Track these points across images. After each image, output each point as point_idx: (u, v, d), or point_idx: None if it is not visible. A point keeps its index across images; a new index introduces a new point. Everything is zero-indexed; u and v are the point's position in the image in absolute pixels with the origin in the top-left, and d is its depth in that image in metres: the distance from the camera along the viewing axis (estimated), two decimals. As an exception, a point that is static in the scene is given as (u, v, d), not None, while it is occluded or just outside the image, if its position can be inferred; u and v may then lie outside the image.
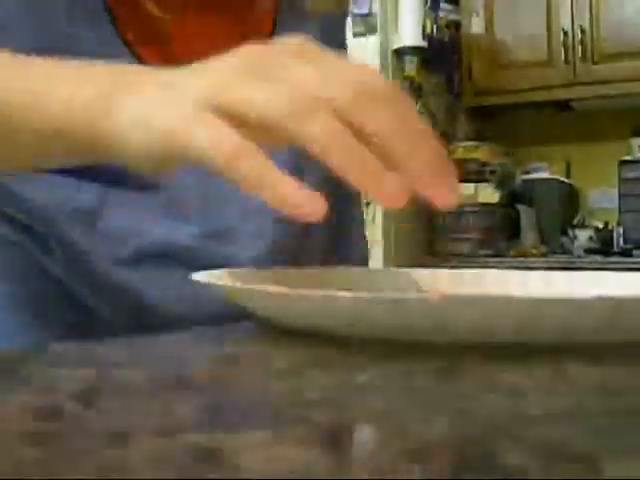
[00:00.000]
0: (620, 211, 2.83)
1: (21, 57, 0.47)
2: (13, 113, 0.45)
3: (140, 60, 0.61)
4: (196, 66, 0.39)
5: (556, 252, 2.77)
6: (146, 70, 0.43)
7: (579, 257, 2.67)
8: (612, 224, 2.83)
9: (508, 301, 0.32)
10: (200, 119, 0.35)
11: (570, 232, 2.89)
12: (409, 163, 0.34)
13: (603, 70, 2.82)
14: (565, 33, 2.90)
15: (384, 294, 0.32)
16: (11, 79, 0.46)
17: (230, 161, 0.34)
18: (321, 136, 0.33)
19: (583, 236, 2.84)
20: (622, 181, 2.84)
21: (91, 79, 0.43)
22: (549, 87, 2.91)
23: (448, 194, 0.34)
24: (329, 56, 0.37)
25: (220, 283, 0.39)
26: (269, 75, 0.36)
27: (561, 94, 2.94)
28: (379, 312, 0.32)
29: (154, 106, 0.38)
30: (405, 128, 0.34)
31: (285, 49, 0.37)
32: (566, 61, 2.90)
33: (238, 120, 0.35)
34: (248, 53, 0.38)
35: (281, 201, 0.33)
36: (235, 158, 0.34)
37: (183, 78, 0.39)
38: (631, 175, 2.79)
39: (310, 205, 0.33)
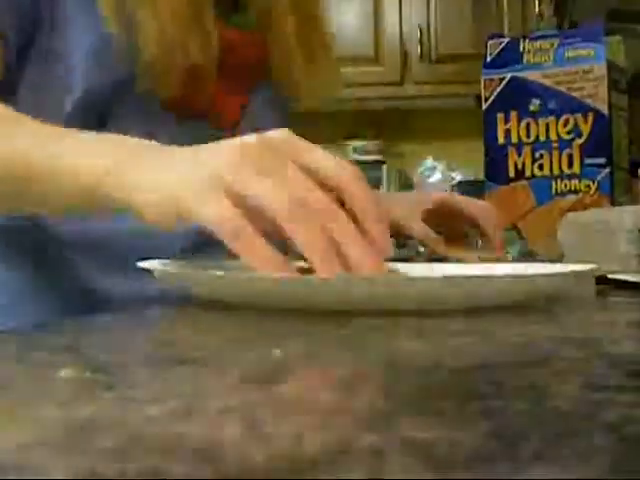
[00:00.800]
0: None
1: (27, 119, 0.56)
2: (32, 182, 0.54)
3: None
4: (209, 146, 0.48)
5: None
6: (156, 146, 0.52)
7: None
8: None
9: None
10: (214, 197, 0.44)
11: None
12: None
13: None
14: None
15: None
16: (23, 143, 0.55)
17: (229, 238, 0.43)
18: (305, 239, 0.43)
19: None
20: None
21: (97, 152, 0.52)
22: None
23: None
24: (311, 153, 0.47)
25: (161, 268, 0.48)
26: (270, 171, 0.45)
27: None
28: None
29: (169, 179, 0.47)
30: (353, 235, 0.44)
31: (281, 146, 0.47)
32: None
33: (241, 202, 0.44)
34: (250, 146, 0.46)
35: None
36: (234, 236, 0.43)
37: (197, 156, 0.48)
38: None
39: (281, 269, 0.43)
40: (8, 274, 0.73)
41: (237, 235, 0.43)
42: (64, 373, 0.27)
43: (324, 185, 0.45)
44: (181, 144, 0.51)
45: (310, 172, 0.45)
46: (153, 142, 0.53)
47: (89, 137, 0.55)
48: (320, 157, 0.47)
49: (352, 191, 0.46)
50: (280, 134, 0.48)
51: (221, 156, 0.46)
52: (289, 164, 0.45)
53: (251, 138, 0.47)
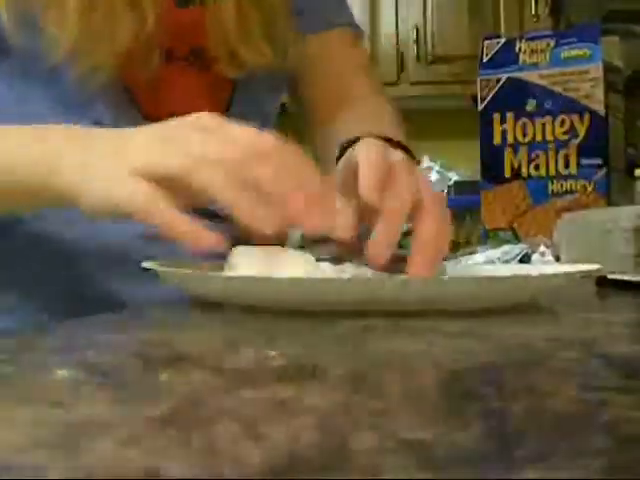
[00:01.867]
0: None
1: None
2: None
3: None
4: (128, 134, 0.52)
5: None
6: (93, 135, 0.55)
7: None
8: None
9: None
10: (129, 181, 0.48)
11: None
12: (287, 201, 0.45)
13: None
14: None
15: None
16: None
17: (142, 216, 0.47)
18: (211, 184, 0.46)
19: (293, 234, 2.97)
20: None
21: (43, 138, 0.55)
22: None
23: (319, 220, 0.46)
24: (228, 126, 0.49)
25: (162, 269, 0.49)
26: (178, 144, 0.48)
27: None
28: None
29: (98, 172, 0.50)
30: (281, 178, 0.46)
31: (193, 124, 0.50)
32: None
33: (160, 181, 0.47)
34: (164, 126, 0.51)
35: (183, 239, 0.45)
36: (147, 214, 0.46)
37: (121, 148, 0.51)
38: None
39: (204, 239, 0.45)
40: (11, 273, 0.72)
41: (149, 212, 0.46)
42: (61, 374, 0.27)
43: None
44: None
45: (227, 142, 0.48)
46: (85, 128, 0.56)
47: (28, 136, 0.58)
48: (234, 128, 0.49)
49: (274, 153, 0.47)
50: (200, 114, 0.51)
51: (133, 141, 0.51)
52: (199, 133, 0.49)
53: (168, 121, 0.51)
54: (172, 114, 0.74)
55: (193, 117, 0.51)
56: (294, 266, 0.48)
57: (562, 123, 1.04)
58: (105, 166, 0.50)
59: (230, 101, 0.78)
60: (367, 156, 0.52)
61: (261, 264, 0.48)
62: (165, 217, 0.46)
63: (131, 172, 0.48)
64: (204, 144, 0.47)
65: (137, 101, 0.73)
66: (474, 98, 1.15)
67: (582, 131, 1.02)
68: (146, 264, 0.49)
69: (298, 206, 0.45)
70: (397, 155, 0.54)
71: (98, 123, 0.69)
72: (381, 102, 0.90)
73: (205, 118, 0.50)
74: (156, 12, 0.68)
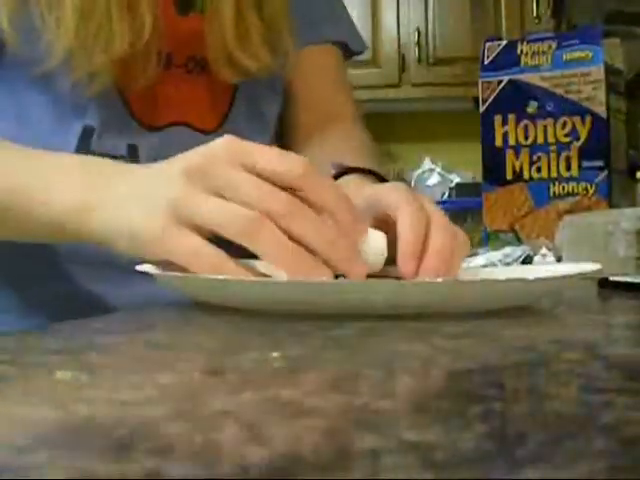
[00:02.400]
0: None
1: None
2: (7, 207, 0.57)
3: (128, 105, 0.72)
4: (160, 172, 0.51)
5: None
6: (118, 172, 0.54)
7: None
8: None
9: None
10: (176, 233, 0.47)
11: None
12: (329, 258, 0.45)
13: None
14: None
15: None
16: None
17: (207, 272, 0.45)
18: (266, 249, 0.44)
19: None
20: (335, 184, 3.04)
21: (67, 186, 0.54)
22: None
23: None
24: (258, 153, 0.47)
25: (159, 271, 0.48)
26: (219, 186, 0.46)
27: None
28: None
29: (134, 218, 0.49)
30: (322, 232, 0.45)
31: (226, 155, 0.47)
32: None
33: (199, 228, 0.46)
34: (195, 166, 0.47)
35: None
36: (213, 269, 0.45)
37: (153, 189, 0.49)
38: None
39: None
40: (6, 279, 0.73)
41: (215, 268, 0.46)
42: (60, 375, 0.27)
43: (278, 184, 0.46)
44: (165, 153, 0.52)
45: (261, 174, 0.46)
46: (120, 165, 0.55)
47: (60, 166, 0.57)
48: (268, 155, 0.47)
49: (308, 185, 0.46)
50: (222, 142, 0.48)
51: (170, 186, 0.48)
52: (237, 172, 0.46)
53: (194, 155, 0.48)
54: (167, 122, 0.74)
55: (220, 149, 0.48)
56: (365, 243, 0.48)
57: (564, 125, 1.03)
58: (142, 211, 0.49)
59: (230, 105, 0.78)
60: (410, 221, 0.50)
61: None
62: (228, 270, 0.46)
63: (171, 219, 0.47)
64: (247, 195, 0.45)
65: (131, 108, 0.73)
66: (475, 100, 1.15)
67: (584, 133, 1.02)
68: (140, 267, 0.49)
69: (341, 256, 0.46)
70: (429, 206, 0.53)
71: (89, 128, 0.70)
72: (360, 131, 0.89)
73: (232, 147, 0.48)
74: (153, 19, 0.68)
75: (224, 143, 0.48)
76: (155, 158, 0.56)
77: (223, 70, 0.74)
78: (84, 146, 0.70)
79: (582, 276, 0.49)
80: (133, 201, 0.50)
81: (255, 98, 0.80)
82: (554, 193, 1.04)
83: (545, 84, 1.05)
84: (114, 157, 0.67)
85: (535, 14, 2.81)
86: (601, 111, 1.01)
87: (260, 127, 0.81)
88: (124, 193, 0.52)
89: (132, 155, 0.72)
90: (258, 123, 0.81)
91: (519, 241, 1.06)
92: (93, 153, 0.68)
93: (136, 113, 0.73)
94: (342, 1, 0.91)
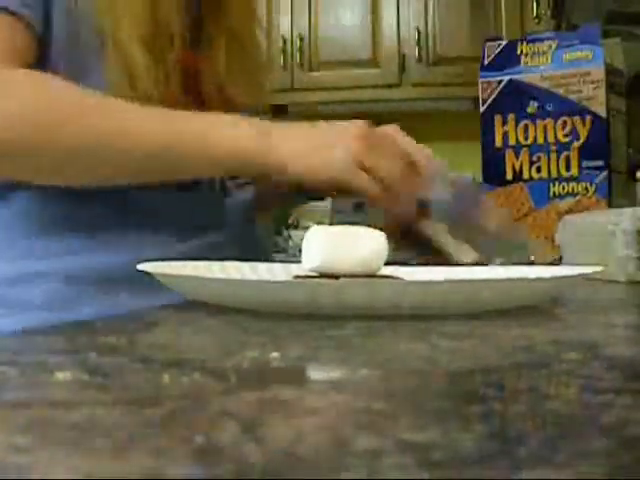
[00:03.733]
0: (333, 212, 3.04)
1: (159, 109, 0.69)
2: (180, 152, 0.68)
3: None
4: (334, 127, 0.74)
5: (271, 251, 2.88)
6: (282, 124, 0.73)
7: (294, 256, 2.81)
8: (326, 224, 3.00)
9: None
10: (356, 171, 0.69)
11: (284, 232, 3.02)
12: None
13: (319, 77, 3.00)
14: (284, 41, 3.03)
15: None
16: (165, 127, 0.69)
17: (376, 200, 0.70)
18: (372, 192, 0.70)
19: (297, 236, 2.98)
20: (335, 183, 3.05)
21: (245, 124, 0.70)
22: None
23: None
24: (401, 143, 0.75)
25: (161, 271, 0.49)
26: (380, 154, 0.71)
27: (279, 99, 3.06)
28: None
29: (317, 149, 0.71)
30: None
31: (382, 135, 0.75)
32: (284, 67, 3.03)
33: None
34: (365, 135, 0.72)
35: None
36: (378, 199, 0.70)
37: (331, 140, 0.72)
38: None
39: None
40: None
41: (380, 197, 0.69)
42: (62, 375, 0.27)
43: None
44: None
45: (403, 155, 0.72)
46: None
47: (214, 116, 0.71)
48: (406, 145, 0.75)
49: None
50: (385, 129, 0.76)
51: (350, 140, 0.70)
52: (388, 149, 0.72)
53: (362, 127, 0.72)
54: None
55: (353, 126, 0.72)
56: (365, 244, 0.49)
57: (563, 125, 1.03)
58: (323, 142, 0.71)
59: None
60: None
61: (334, 242, 0.49)
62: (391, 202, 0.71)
63: (352, 160, 0.68)
64: (385, 165, 0.70)
65: None
66: (475, 100, 1.15)
67: (583, 133, 1.02)
68: (141, 266, 0.49)
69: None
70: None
71: None
72: None
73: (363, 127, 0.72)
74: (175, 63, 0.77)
75: (387, 129, 0.77)
76: None
77: (215, 103, 0.81)
78: None
79: (582, 276, 0.49)
80: (313, 143, 0.71)
81: None
82: (554, 193, 1.04)
83: (545, 84, 1.05)
84: None
85: (535, 14, 2.81)
86: (601, 111, 1.01)
87: None
88: (303, 134, 0.73)
89: None
90: None
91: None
92: None
93: None
94: None
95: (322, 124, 0.74)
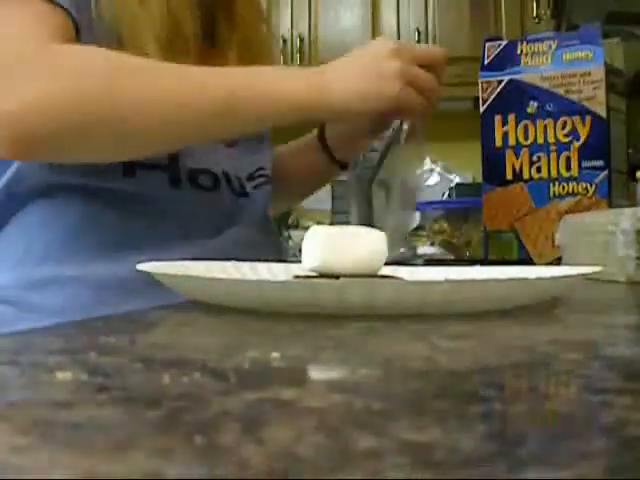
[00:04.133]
0: (333, 212, 3.04)
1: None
2: (239, 103, 0.71)
3: None
4: (372, 54, 0.79)
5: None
6: (328, 66, 0.80)
7: (294, 256, 2.81)
8: (325, 224, 3.00)
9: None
10: (406, 90, 0.78)
11: (284, 232, 3.02)
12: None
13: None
14: (284, 41, 3.04)
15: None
16: (227, 79, 0.72)
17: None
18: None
19: (297, 236, 2.98)
20: (335, 183, 3.05)
21: (299, 73, 0.77)
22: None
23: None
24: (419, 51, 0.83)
25: (160, 271, 0.50)
26: (412, 63, 0.80)
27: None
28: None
29: (368, 81, 0.76)
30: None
31: (405, 45, 0.81)
32: (284, 68, 3.02)
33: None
34: (394, 49, 0.78)
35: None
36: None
37: (375, 65, 0.77)
38: (343, 177, 3.01)
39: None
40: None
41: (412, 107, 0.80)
42: (62, 375, 0.27)
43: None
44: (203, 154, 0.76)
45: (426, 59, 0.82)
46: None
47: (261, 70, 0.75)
48: (424, 51, 0.84)
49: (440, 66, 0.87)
50: (392, 41, 0.80)
51: (389, 61, 0.77)
52: (417, 58, 0.81)
53: (389, 44, 0.78)
54: None
55: (383, 46, 0.78)
56: (365, 244, 0.49)
57: (563, 125, 1.03)
58: (364, 72, 0.77)
59: None
60: None
61: (334, 242, 0.49)
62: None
63: (400, 82, 0.77)
64: (421, 74, 0.81)
65: None
66: (475, 100, 1.15)
67: (583, 133, 1.02)
68: (140, 266, 0.49)
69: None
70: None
71: None
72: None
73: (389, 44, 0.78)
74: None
75: (394, 42, 0.80)
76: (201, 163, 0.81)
77: None
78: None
79: (582, 276, 0.49)
80: (361, 74, 0.77)
81: None
82: (554, 193, 1.04)
83: (545, 84, 1.05)
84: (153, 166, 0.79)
85: (535, 14, 2.81)
86: (601, 111, 1.01)
87: (258, 137, 0.95)
88: (350, 70, 0.78)
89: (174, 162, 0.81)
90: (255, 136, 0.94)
91: (519, 241, 1.06)
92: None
93: None
94: None
95: (356, 52, 0.80)
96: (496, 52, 1.10)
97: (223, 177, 0.85)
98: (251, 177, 0.91)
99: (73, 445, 0.19)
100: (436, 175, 3.13)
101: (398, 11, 3.01)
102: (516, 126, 1.07)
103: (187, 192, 0.79)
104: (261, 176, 0.93)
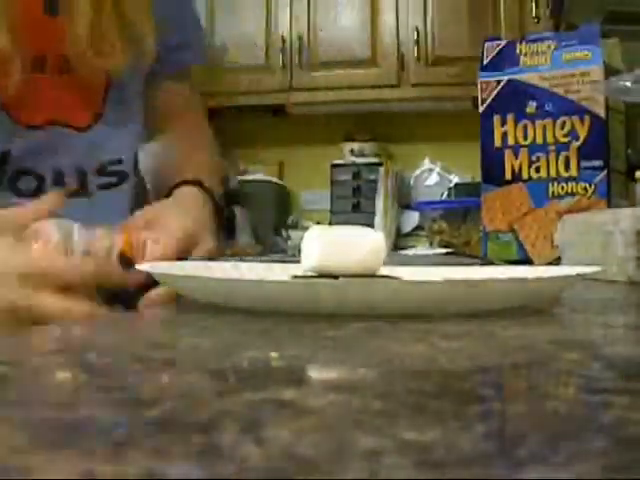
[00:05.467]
0: (332, 212, 3.04)
1: None
2: None
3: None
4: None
5: (271, 251, 2.88)
6: None
7: (293, 256, 2.81)
8: (325, 224, 3.00)
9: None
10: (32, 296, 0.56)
11: (284, 232, 3.02)
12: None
13: (318, 77, 3.00)
14: (283, 40, 3.03)
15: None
16: None
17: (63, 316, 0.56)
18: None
19: (296, 236, 2.98)
20: (334, 183, 3.06)
21: None
22: (266, 92, 3.03)
23: None
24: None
25: (160, 271, 0.50)
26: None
27: (278, 99, 3.07)
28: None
29: None
30: None
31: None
32: (283, 67, 3.03)
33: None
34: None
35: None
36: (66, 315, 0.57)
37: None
38: (342, 178, 3.02)
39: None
40: None
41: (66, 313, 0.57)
42: (61, 375, 0.27)
43: None
44: (40, 154, 0.66)
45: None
46: None
47: None
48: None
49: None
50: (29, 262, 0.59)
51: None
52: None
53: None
54: (44, 121, 0.77)
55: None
56: (364, 244, 0.48)
57: (563, 125, 1.04)
58: None
59: (103, 103, 0.82)
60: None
61: (333, 242, 0.49)
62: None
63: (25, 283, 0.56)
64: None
65: (7, 108, 0.75)
66: (475, 100, 1.15)
67: (583, 133, 1.02)
68: (140, 266, 0.49)
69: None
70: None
71: None
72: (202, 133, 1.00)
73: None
74: (8, 24, 0.70)
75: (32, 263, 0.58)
76: (28, 161, 0.70)
77: (81, 69, 0.77)
78: None
79: (582, 277, 0.49)
80: None
81: (123, 97, 0.84)
82: (553, 193, 1.05)
83: (544, 84, 1.05)
84: None
85: (534, 14, 2.81)
86: (600, 111, 1.01)
87: (130, 121, 0.86)
88: None
89: (2, 162, 0.74)
90: (128, 119, 0.86)
91: (518, 241, 1.06)
92: None
93: (12, 113, 0.75)
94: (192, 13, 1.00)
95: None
96: (495, 52, 1.10)
97: (51, 177, 0.76)
98: (101, 171, 0.81)
99: (72, 445, 0.19)
100: (435, 175, 3.13)
101: (397, 11, 3.02)
102: (515, 126, 1.07)
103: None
104: (114, 173, 0.83)
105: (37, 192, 0.74)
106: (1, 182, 0.73)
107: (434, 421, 0.21)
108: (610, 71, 1.03)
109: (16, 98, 0.74)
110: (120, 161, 0.83)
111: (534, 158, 1.05)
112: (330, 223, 2.95)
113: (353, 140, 3.14)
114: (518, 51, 1.07)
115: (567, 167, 1.03)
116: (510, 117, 1.06)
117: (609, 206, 1.00)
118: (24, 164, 0.74)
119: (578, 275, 0.49)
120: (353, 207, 3.00)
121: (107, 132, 0.82)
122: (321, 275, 0.48)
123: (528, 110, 1.05)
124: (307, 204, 3.29)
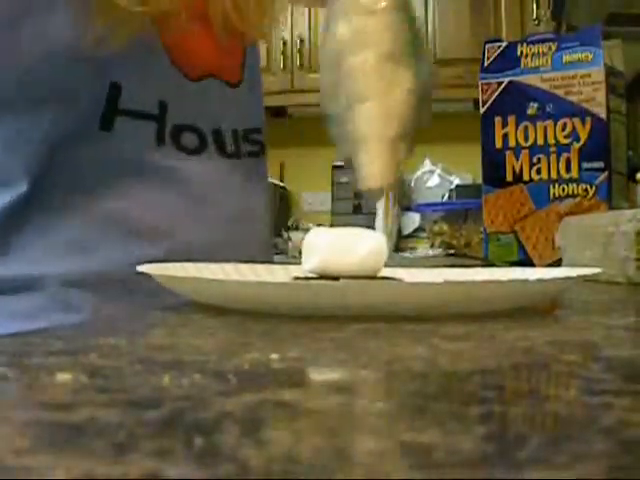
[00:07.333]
0: (333, 213, 3.04)
1: None
2: None
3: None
4: None
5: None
6: None
7: (294, 257, 2.81)
8: (326, 226, 3.00)
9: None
10: None
11: (284, 234, 3.02)
12: None
13: (319, 79, 3.00)
14: (284, 42, 3.04)
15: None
16: None
17: None
18: None
19: (297, 237, 2.98)
20: (335, 185, 3.06)
21: None
22: (267, 93, 3.03)
23: None
24: None
25: (159, 272, 0.49)
26: None
27: (278, 101, 3.07)
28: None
29: None
30: None
31: None
32: (284, 69, 3.03)
33: None
34: None
35: None
36: None
37: None
38: (343, 179, 3.02)
39: None
40: None
41: None
42: (62, 376, 0.27)
43: None
44: (194, 105, 0.66)
45: None
46: None
47: None
48: None
49: None
50: None
51: None
52: None
53: None
54: (201, 74, 0.75)
55: None
56: (365, 245, 0.48)
57: (564, 127, 1.04)
58: None
59: (242, 69, 0.82)
60: None
61: (334, 243, 0.48)
62: None
63: None
64: None
65: (171, 57, 0.73)
66: (476, 101, 1.15)
67: (583, 135, 1.02)
68: (141, 268, 0.49)
69: None
70: None
71: (116, 85, 0.69)
72: None
73: None
74: None
75: None
76: (184, 114, 0.68)
77: (220, 31, 0.76)
78: (112, 106, 0.68)
79: (582, 278, 0.49)
80: None
81: (252, 65, 0.84)
82: (554, 195, 1.05)
83: (545, 85, 1.05)
84: (142, 115, 0.69)
85: (535, 16, 2.82)
86: (601, 113, 1.01)
87: (259, 94, 0.87)
88: None
89: (161, 113, 0.71)
90: (256, 88, 0.86)
91: (519, 242, 1.06)
92: (121, 113, 0.68)
93: (176, 62, 0.73)
94: None
95: None
96: (496, 54, 1.10)
97: (211, 135, 0.75)
98: (246, 137, 0.80)
99: (73, 446, 0.19)
100: (436, 177, 3.13)
101: (398, 13, 3.01)
102: (516, 128, 1.07)
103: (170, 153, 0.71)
104: (256, 142, 0.83)
105: (200, 149, 0.74)
106: (163, 137, 0.71)
107: (434, 423, 0.21)
108: (611, 73, 1.03)
109: (178, 48, 0.73)
110: (259, 130, 0.83)
111: (535, 159, 1.05)
112: (331, 225, 2.95)
113: (354, 141, 3.13)
114: (519, 53, 1.07)
115: (568, 169, 1.03)
116: (511, 118, 1.06)
117: (610, 208, 1.00)
118: (184, 119, 0.73)
119: (579, 276, 0.49)
120: (354, 209, 3.00)
121: (247, 99, 0.82)
122: (322, 277, 0.48)
123: (529, 112, 1.05)
124: (308, 205, 3.29)
